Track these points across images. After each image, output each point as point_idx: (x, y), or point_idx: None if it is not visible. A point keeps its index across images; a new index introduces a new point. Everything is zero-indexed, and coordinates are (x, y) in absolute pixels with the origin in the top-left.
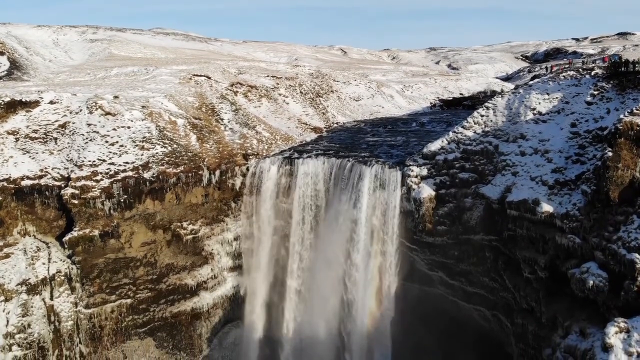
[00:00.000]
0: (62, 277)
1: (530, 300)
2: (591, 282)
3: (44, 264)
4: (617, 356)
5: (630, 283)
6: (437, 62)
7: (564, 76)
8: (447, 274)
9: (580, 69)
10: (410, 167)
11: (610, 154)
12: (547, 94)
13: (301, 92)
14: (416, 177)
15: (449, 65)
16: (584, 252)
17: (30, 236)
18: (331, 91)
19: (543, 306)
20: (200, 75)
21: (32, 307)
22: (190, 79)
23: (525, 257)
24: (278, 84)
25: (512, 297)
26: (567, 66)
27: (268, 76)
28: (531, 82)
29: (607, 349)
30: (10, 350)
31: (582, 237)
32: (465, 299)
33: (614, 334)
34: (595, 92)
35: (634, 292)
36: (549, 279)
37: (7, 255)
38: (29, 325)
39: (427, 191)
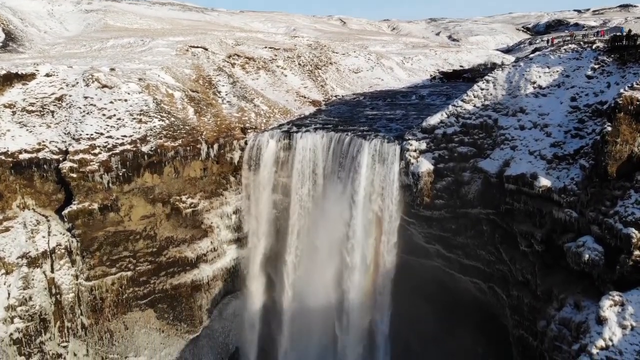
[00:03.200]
0: (63, 250)
1: (526, 273)
2: (587, 255)
3: (44, 237)
4: (611, 329)
5: (626, 257)
6: (438, 34)
7: (565, 49)
8: (444, 246)
9: (581, 42)
10: (409, 141)
11: (609, 128)
12: (548, 67)
13: (299, 64)
14: (415, 151)
15: (450, 37)
16: (580, 226)
17: (29, 210)
18: (330, 63)
19: (539, 279)
20: (197, 47)
21: (33, 280)
22: (187, 50)
23: (522, 231)
24: (276, 55)
25: (508, 269)
26: (568, 38)
27: (266, 47)
28: (532, 55)
29: (601, 321)
30: (12, 322)
31: (579, 212)
32: (462, 271)
33: (608, 307)
34: (596, 66)
35: (630, 266)
36: (545, 253)
37: (7, 229)
38: (30, 298)
39: (425, 165)
